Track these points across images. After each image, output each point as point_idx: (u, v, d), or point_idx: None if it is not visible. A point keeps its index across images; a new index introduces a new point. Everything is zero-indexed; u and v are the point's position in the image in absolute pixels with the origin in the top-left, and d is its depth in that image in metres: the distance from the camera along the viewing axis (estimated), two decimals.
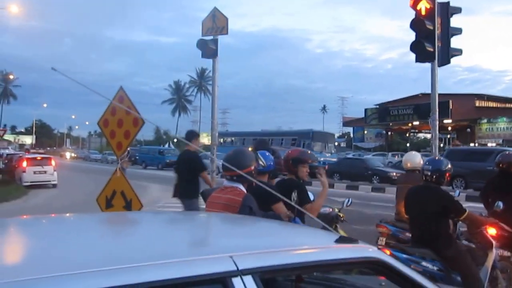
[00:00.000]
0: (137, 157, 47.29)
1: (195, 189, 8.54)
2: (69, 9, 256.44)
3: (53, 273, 1.38)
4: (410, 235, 5.75)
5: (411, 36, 8.76)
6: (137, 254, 1.72)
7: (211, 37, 11.30)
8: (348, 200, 6.90)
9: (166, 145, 61.68)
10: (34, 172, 24.40)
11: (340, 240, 2.05)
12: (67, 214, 3.51)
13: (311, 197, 5.24)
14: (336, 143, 58.91)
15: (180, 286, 1.56)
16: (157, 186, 23.84)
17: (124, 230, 2.41)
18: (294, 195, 5.08)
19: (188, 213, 4.09)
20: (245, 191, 4.04)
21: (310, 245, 2.07)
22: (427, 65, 8.94)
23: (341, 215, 6.87)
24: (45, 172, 24.71)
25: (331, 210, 6.93)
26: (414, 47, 8.80)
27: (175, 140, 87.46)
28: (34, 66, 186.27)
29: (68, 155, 74.41)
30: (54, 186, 24.73)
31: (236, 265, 1.67)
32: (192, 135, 9.42)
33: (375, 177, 27.72)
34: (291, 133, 49.63)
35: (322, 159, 31.22)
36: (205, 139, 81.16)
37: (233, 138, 54.38)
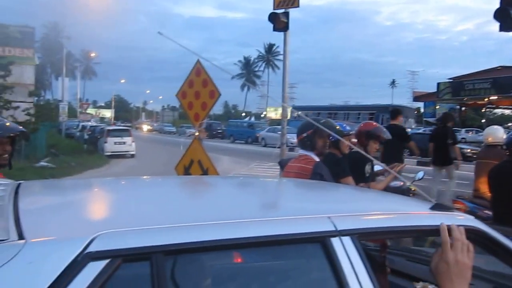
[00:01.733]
0: (221, 130, 48.02)
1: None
2: None
3: (191, 223, 1.57)
4: (492, 213, 5.44)
5: (492, 4, 8.38)
6: (244, 211, 1.86)
7: (283, 10, 11.37)
8: (421, 174, 6.79)
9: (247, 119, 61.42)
10: (115, 143, 25.68)
11: (436, 207, 2.03)
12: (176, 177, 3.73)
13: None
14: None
15: (283, 243, 1.64)
16: (227, 158, 24.40)
17: (228, 192, 2.54)
18: (367, 167, 5.18)
19: (282, 178, 4.24)
20: (316, 159, 4.20)
21: (405, 211, 2.06)
22: (507, 36, 8.57)
23: (413, 189, 6.84)
24: (124, 143, 25.93)
25: (402, 183, 6.91)
26: (498, 14, 8.38)
27: (243, 114, 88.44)
28: (112, 44, 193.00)
29: (144, 127, 76.98)
30: (132, 156, 25.92)
31: (334, 226, 1.70)
32: (398, 112, 10.54)
33: None
34: (369, 107, 48.14)
35: None
36: (271, 113, 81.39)
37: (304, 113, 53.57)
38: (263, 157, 25.52)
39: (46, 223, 1.59)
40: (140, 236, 1.43)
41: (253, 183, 3.04)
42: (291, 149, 12.33)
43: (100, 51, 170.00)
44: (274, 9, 11.50)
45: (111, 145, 25.69)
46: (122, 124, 56.19)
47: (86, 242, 1.35)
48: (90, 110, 62.34)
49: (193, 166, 7.53)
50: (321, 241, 1.66)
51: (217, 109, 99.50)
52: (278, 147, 10.68)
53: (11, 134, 3.45)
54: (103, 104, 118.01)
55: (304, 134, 4.25)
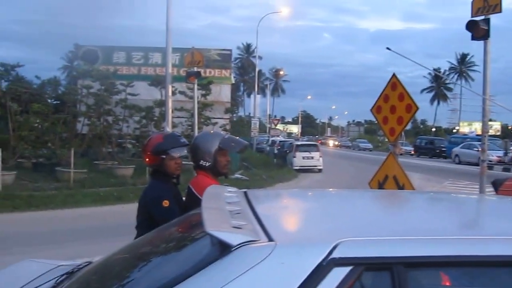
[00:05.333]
0: (445, 148, 41.58)
1: None
2: (328, 4, 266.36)
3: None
4: None
5: None
6: (484, 228, 1.80)
7: (482, 17, 10.64)
8: None
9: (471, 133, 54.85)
10: (303, 158, 26.41)
11: None
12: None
13: None
14: None
15: None
16: (417, 175, 23.42)
17: (451, 207, 2.47)
18: None
19: (503, 196, 3.92)
20: None
21: None
22: None
23: None
24: (312, 157, 26.52)
25: None
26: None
27: (433, 129, 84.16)
28: (298, 62, 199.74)
29: (331, 143, 77.64)
30: (320, 171, 26.35)
31: None
32: None
33: None
34: None
35: None
36: (465, 128, 76.01)
37: None
38: (456, 175, 23.99)
39: (289, 227, 1.70)
40: (381, 246, 1.46)
41: (478, 201, 2.88)
42: (507, 169, 11.27)
43: (288, 69, 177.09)
44: (472, 16, 10.84)
45: (299, 159, 26.48)
46: (308, 139, 57.34)
47: (330, 248, 1.42)
48: (279, 126, 65.10)
49: (388, 182, 7.38)
50: None
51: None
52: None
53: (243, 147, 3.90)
54: (290, 120, 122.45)
55: None
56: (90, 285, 2.05)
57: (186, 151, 3.66)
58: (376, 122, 8.14)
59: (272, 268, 1.38)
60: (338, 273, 1.39)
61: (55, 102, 24.13)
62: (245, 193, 2.28)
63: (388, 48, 3.45)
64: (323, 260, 1.40)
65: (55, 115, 20.40)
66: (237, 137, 3.95)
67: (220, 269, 1.39)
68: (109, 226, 10.40)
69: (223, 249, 1.43)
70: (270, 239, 1.49)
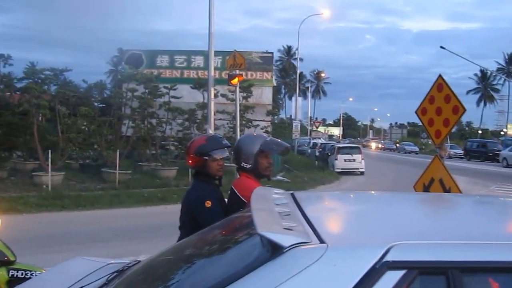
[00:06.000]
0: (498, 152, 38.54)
1: None
2: (370, 5, 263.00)
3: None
4: None
5: None
6: None
7: None
8: None
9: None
10: (345, 160, 26.19)
11: None
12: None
13: None
14: None
15: None
16: (463, 178, 22.87)
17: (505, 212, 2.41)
18: None
19: None
20: None
21: None
22: None
23: None
24: (354, 160, 26.26)
25: None
26: None
27: (479, 132, 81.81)
28: (339, 64, 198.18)
29: (373, 145, 76.44)
30: (362, 173, 26.06)
31: None
32: None
33: None
34: None
35: None
36: None
37: None
38: (504, 178, 23.29)
39: (340, 230, 1.70)
40: (436, 250, 1.44)
41: None
42: None
43: (329, 71, 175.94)
44: None
45: (341, 162, 26.28)
46: (350, 142, 56.62)
47: (383, 251, 1.40)
48: (320, 128, 64.74)
49: (434, 185, 7.22)
50: None
51: None
52: None
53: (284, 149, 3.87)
54: (331, 122, 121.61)
55: None
56: (140, 284, 2.09)
57: (228, 153, 3.69)
58: (420, 124, 8.00)
59: (324, 270, 1.37)
60: (392, 277, 1.37)
61: (101, 105, 24.74)
62: (292, 194, 2.28)
63: (442, 47, 3.35)
64: (376, 263, 1.38)
65: (101, 118, 20.91)
66: (279, 140, 3.96)
67: (271, 270, 1.40)
68: (153, 226, 10.57)
69: (275, 250, 1.44)
70: (322, 241, 1.48)
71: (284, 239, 1.44)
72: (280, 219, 1.66)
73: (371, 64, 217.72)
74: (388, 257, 1.39)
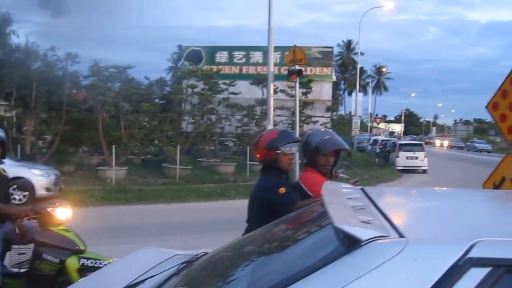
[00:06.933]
0: None
1: None
2: None
3: None
4: None
5: None
6: None
7: None
8: None
9: None
10: (407, 158, 25.57)
11: None
12: None
13: None
14: None
15: None
16: None
17: None
18: None
19: None
20: None
21: None
22: None
23: None
24: (416, 158, 25.60)
25: None
26: None
27: None
28: (401, 58, 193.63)
29: (438, 142, 73.95)
30: (424, 171, 25.37)
31: None
32: None
33: None
34: None
35: None
36: None
37: None
38: None
39: (418, 224, 1.63)
40: None
41: None
42: None
43: (391, 65, 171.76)
44: None
45: (403, 159, 25.66)
46: (412, 138, 55.14)
47: (467, 247, 1.33)
48: (380, 125, 63.59)
49: (505, 184, 6.90)
50: None
51: None
52: None
53: (338, 149, 3.80)
54: (392, 118, 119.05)
55: None
56: (211, 275, 2.09)
57: (298, 147, 3.67)
58: (488, 121, 7.69)
59: (404, 265, 1.31)
60: (476, 274, 1.29)
61: (161, 102, 25.30)
62: (363, 189, 2.22)
63: None
64: (460, 259, 1.31)
65: (162, 114, 21.40)
66: (340, 139, 3.88)
67: (349, 264, 1.35)
68: (213, 221, 10.71)
69: (351, 244, 1.39)
70: (401, 235, 1.42)
71: (361, 233, 1.39)
72: (355, 213, 1.60)
73: (434, 57, 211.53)
74: (472, 254, 1.32)
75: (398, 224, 1.52)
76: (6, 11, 19.85)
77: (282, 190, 3.36)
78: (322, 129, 4.37)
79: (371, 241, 1.37)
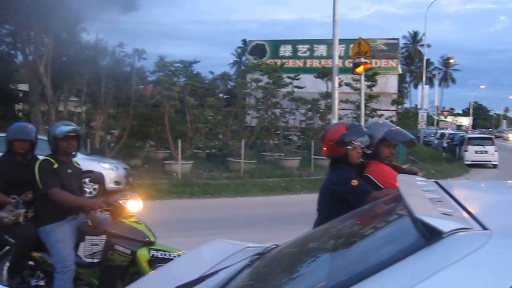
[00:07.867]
0: None
1: None
2: None
3: None
4: None
5: None
6: None
7: None
8: None
9: None
10: (476, 152, 24.64)
11: None
12: None
13: None
14: None
15: None
16: None
17: None
18: None
19: None
20: None
21: None
22: None
23: None
24: (486, 152, 24.63)
25: None
26: None
27: None
28: (469, 49, 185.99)
29: (510, 136, 70.44)
30: (495, 166, 24.38)
31: None
32: None
33: None
34: None
35: None
36: None
37: None
38: None
39: (500, 217, 1.59)
40: None
41: None
42: None
43: (458, 57, 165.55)
44: None
45: (471, 153, 24.71)
46: (480, 132, 52.71)
47: None
48: (448, 118, 61.53)
49: None
50: None
51: None
52: None
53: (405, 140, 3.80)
54: (460, 112, 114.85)
55: None
56: (285, 267, 2.12)
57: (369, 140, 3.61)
58: None
59: (489, 258, 1.28)
60: None
61: (225, 96, 25.62)
62: (437, 182, 2.18)
63: None
64: None
65: (226, 108, 21.67)
66: (405, 130, 3.85)
67: (430, 256, 1.34)
68: (277, 215, 10.77)
69: (432, 235, 1.37)
70: (484, 227, 1.39)
71: (443, 224, 1.37)
72: (434, 205, 1.58)
73: (505, 48, 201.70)
74: None
75: (480, 217, 1.48)
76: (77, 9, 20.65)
77: (355, 182, 3.34)
78: (381, 121, 4.33)
79: (453, 233, 1.35)
